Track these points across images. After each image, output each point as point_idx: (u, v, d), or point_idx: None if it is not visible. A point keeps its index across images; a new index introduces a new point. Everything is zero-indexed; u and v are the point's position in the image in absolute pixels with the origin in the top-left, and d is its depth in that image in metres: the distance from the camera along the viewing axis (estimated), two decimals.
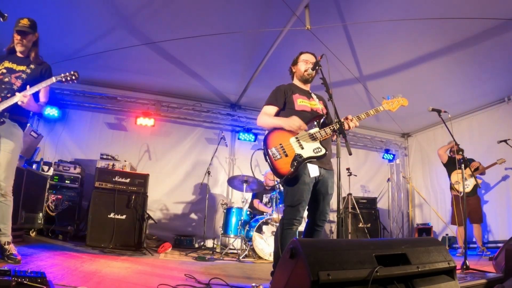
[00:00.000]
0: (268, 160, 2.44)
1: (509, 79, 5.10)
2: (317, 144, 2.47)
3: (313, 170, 2.43)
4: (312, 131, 2.49)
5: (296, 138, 2.47)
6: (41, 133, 5.05)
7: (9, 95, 2.57)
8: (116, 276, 2.62)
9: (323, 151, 2.45)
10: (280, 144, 2.44)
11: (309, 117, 2.56)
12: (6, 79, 2.61)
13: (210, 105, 6.62)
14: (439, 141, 7.07)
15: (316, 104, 2.69)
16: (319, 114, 2.62)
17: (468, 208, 4.93)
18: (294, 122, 2.45)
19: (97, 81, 5.98)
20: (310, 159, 2.42)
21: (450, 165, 5.24)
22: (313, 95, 2.76)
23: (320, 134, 2.47)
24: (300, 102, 2.63)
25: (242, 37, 4.47)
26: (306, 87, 2.79)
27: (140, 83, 6.11)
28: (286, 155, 2.40)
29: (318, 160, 2.45)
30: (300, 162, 2.38)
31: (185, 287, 2.38)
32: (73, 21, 4.21)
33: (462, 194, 4.89)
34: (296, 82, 2.81)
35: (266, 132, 2.56)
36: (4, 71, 2.65)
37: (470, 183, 5.06)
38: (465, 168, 4.43)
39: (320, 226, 2.52)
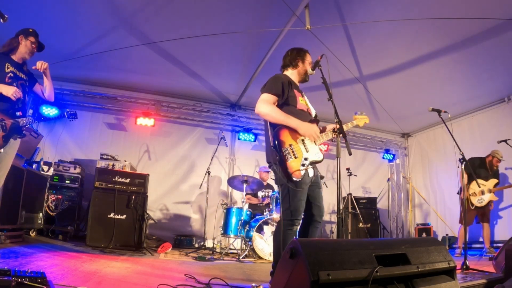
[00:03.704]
0: (281, 159, 2.37)
1: (509, 79, 5.10)
2: (317, 148, 2.49)
3: (311, 172, 2.46)
4: None
5: (302, 140, 2.46)
6: (41, 133, 5.05)
7: (20, 105, 2.83)
8: (116, 276, 2.62)
9: (321, 156, 2.48)
10: (290, 145, 2.40)
11: (308, 119, 2.56)
12: (14, 84, 2.78)
13: (210, 105, 6.62)
14: (439, 141, 7.08)
15: (308, 104, 2.70)
16: (317, 118, 2.64)
17: (480, 211, 4.86)
18: (313, 131, 2.40)
19: (97, 81, 5.98)
20: (312, 163, 2.44)
21: (480, 173, 5.01)
22: (303, 93, 2.75)
23: (321, 138, 2.50)
24: (301, 101, 2.61)
25: (242, 37, 4.47)
26: (298, 84, 2.75)
27: (140, 83, 6.11)
28: (296, 157, 2.38)
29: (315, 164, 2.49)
30: (306, 166, 2.39)
31: (185, 287, 2.38)
32: (73, 21, 4.21)
33: (470, 199, 4.83)
34: (292, 76, 2.70)
35: (276, 127, 2.43)
36: (11, 75, 2.78)
37: (486, 198, 4.83)
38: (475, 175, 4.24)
39: (319, 222, 2.56)
